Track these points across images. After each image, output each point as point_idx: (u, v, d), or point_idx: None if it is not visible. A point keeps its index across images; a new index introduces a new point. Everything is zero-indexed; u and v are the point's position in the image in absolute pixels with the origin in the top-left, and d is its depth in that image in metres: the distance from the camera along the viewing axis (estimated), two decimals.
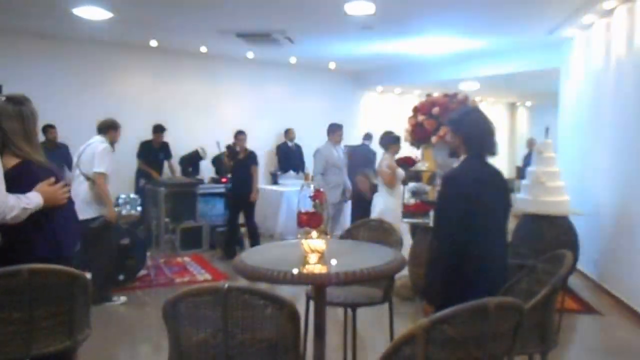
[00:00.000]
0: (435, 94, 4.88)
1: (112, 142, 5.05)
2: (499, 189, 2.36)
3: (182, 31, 7.01)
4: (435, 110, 4.52)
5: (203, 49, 8.18)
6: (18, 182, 2.12)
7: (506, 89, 11.59)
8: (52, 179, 2.22)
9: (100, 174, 4.72)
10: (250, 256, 2.34)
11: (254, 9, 5.76)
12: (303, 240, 2.27)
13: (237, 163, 6.79)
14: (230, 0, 5.48)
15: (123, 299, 5.08)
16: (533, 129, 14.37)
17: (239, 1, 5.52)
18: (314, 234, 2.31)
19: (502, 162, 13.40)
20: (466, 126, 2.39)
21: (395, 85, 10.88)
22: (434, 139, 4.54)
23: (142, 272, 5.75)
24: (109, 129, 5.03)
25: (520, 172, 10.37)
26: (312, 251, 2.28)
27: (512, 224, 4.29)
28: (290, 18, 6.12)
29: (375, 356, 1.67)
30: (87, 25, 6.45)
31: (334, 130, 6.42)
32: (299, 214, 2.30)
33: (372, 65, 9.57)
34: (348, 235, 3.06)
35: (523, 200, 5.15)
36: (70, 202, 2.35)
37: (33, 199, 2.11)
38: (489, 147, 2.38)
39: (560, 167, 5.33)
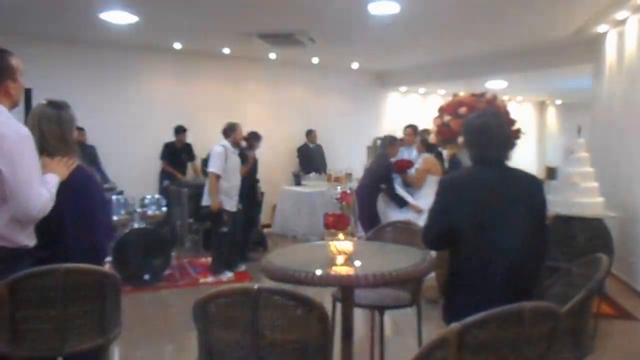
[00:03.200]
0: (462, 94, 4.81)
1: (236, 143, 5.92)
2: (511, 196, 2.25)
3: (205, 33, 7.07)
4: (463, 110, 4.47)
5: (226, 51, 8.24)
6: None
7: (535, 88, 11.36)
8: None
9: (210, 172, 5.69)
10: (278, 257, 2.34)
11: (277, 10, 5.77)
12: (330, 242, 2.26)
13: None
14: (253, 1, 5.51)
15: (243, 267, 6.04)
16: (563, 128, 14.07)
17: (261, 3, 5.54)
18: (341, 235, 2.31)
19: (531, 162, 13.18)
20: (470, 132, 2.35)
21: (420, 85, 10.77)
22: (460, 139, 4.49)
23: (167, 272, 5.82)
24: (228, 132, 5.86)
25: (551, 173, 10.17)
26: (340, 253, 2.27)
27: None
28: (313, 18, 6.11)
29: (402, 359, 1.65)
30: (113, 29, 6.56)
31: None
32: (326, 215, 2.29)
33: (395, 65, 9.50)
34: (374, 236, 3.04)
35: (554, 202, 5.04)
36: (104, 201, 2.40)
37: (53, 181, 2.18)
38: (493, 153, 2.31)
39: (594, 167, 5.19)
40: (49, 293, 1.97)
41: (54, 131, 2.34)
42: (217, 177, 5.68)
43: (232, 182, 5.88)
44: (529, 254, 2.26)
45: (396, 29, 6.40)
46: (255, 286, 1.70)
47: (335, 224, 2.26)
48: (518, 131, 4.54)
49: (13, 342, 1.97)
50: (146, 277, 5.55)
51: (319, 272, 2.11)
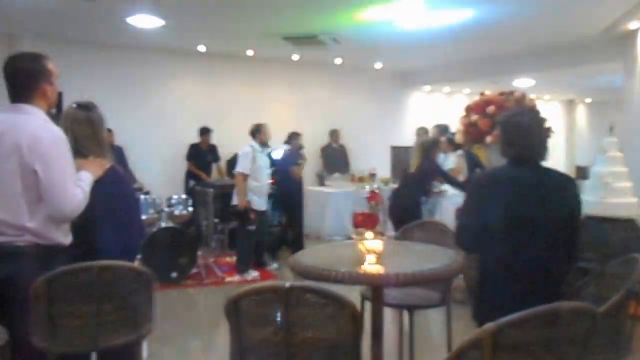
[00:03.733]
0: (488, 92, 4.73)
1: (263, 143, 6.01)
2: (545, 196, 2.20)
3: (229, 36, 7.13)
4: (490, 109, 4.39)
5: (249, 53, 8.29)
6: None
7: (564, 86, 11.11)
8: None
9: (237, 172, 5.86)
10: (306, 255, 2.34)
11: (301, 11, 5.79)
12: (359, 241, 2.26)
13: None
14: (278, 3, 5.53)
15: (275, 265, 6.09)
16: (593, 127, 13.75)
17: (286, 4, 5.56)
18: (369, 234, 2.30)
19: (559, 161, 12.92)
20: (509, 129, 2.30)
21: (444, 85, 10.66)
22: (489, 139, 4.40)
23: (193, 271, 5.88)
24: (255, 132, 6.00)
25: (582, 172, 9.94)
26: (369, 251, 2.26)
27: None
28: (337, 19, 6.09)
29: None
30: (140, 33, 6.67)
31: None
32: (355, 214, 2.28)
33: (419, 64, 9.42)
34: (402, 236, 3.02)
35: (586, 202, 4.91)
36: (135, 201, 2.45)
37: (87, 180, 2.22)
38: (531, 153, 2.26)
39: (627, 166, 5.04)
40: (84, 290, 2.02)
41: (86, 133, 2.40)
42: (244, 176, 5.76)
43: (261, 182, 5.99)
44: (562, 255, 2.22)
45: (421, 30, 6.34)
46: (287, 284, 1.70)
47: (365, 222, 2.26)
48: (549, 130, 4.44)
49: (51, 337, 2.02)
50: (173, 275, 5.62)
51: (351, 270, 2.10)
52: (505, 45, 7.57)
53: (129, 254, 2.36)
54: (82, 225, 2.22)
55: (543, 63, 7.97)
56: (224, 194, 7.09)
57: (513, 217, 2.18)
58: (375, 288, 2.34)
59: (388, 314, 2.97)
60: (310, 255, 2.37)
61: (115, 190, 2.38)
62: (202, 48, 7.96)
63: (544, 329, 1.51)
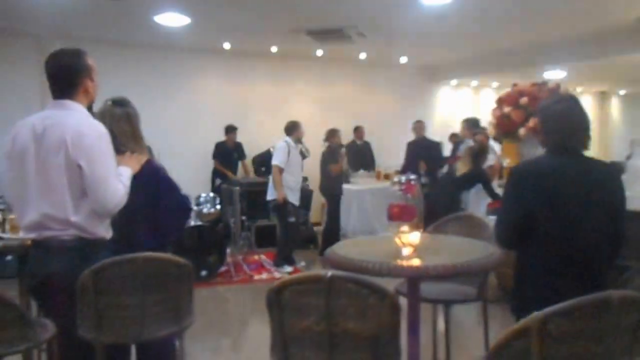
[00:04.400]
0: (515, 82, 4.61)
1: (298, 140, 6.21)
2: (588, 187, 2.15)
3: (254, 33, 7.15)
4: (523, 100, 4.27)
5: (273, 49, 8.31)
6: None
7: (597, 77, 10.79)
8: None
9: (274, 166, 5.95)
10: (342, 248, 2.35)
11: (325, 5, 5.77)
12: (396, 234, 2.25)
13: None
14: None
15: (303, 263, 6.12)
16: (627, 120, 13.37)
17: None
18: (406, 227, 2.29)
19: (592, 155, 12.58)
20: (550, 118, 2.25)
21: (471, 78, 10.47)
22: (522, 130, 4.29)
23: (222, 269, 5.94)
24: (290, 129, 6.16)
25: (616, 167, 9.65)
26: (406, 244, 2.26)
27: None
28: (363, 12, 6.05)
29: (468, 355, 1.62)
30: (166, 32, 6.75)
31: None
32: (391, 206, 2.27)
33: (445, 57, 9.27)
34: (436, 230, 2.99)
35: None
36: (174, 192, 2.48)
37: (126, 174, 2.28)
38: (574, 142, 2.21)
39: None
40: (129, 281, 2.06)
41: (125, 129, 2.47)
42: (280, 170, 5.89)
43: (295, 177, 6.17)
44: (605, 247, 2.18)
45: (448, 19, 6.24)
46: (329, 273, 1.71)
47: (401, 215, 2.24)
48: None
49: (98, 328, 2.07)
50: (203, 273, 5.69)
51: (386, 262, 2.10)
52: (535, 35, 7.35)
53: (166, 245, 2.40)
54: (122, 219, 2.27)
55: (575, 53, 7.68)
56: (250, 191, 7.16)
57: (556, 209, 2.14)
58: (411, 281, 2.34)
59: (422, 309, 2.94)
60: (346, 248, 2.37)
61: (153, 183, 2.42)
62: (227, 45, 8.01)
63: (593, 319, 1.49)
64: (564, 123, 2.21)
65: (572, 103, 2.26)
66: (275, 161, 6.01)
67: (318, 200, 8.51)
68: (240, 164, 8.23)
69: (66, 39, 7.18)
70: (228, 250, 6.08)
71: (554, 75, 8.93)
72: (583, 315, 1.47)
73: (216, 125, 8.03)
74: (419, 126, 7.42)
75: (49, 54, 2.28)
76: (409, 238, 2.26)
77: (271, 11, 6.03)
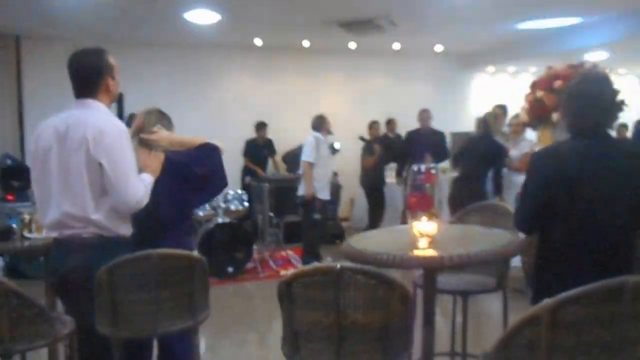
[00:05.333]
0: (556, 66, 4.38)
1: (326, 134, 6.14)
2: (611, 170, 2.06)
3: (284, 27, 7.11)
4: (557, 83, 4.05)
5: (305, 44, 8.24)
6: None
7: None
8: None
9: (303, 161, 5.91)
10: (359, 241, 2.33)
11: None
12: (412, 224, 2.22)
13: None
14: None
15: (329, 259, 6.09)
16: None
17: None
18: (424, 217, 2.26)
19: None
20: (568, 99, 2.17)
21: (509, 64, 10.08)
22: (555, 116, 4.09)
23: (249, 265, 6.01)
24: (317, 124, 6.09)
25: None
26: (423, 235, 2.23)
27: None
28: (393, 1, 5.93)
29: (486, 347, 1.58)
30: (197, 30, 6.79)
31: None
32: (409, 196, 2.25)
33: (481, 43, 8.90)
34: (460, 220, 2.95)
35: None
36: (194, 177, 2.53)
37: (147, 180, 2.31)
38: (596, 123, 2.11)
39: None
40: (144, 278, 2.10)
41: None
42: (310, 165, 5.89)
43: (325, 170, 6.16)
44: (630, 233, 2.10)
45: (481, 2, 5.99)
46: (338, 265, 1.71)
47: (418, 204, 2.21)
48: (621, 103, 4.11)
49: (114, 323, 2.12)
50: (230, 269, 5.77)
51: (400, 253, 2.08)
52: (574, 14, 6.93)
53: (182, 243, 2.44)
54: (139, 219, 2.33)
55: (616, 32, 7.17)
56: (279, 187, 7.20)
57: (578, 194, 2.06)
58: (427, 272, 2.31)
59: (441, 300, 2.90)
60: (363, 240, 2.36)
61: (171, 179, 2.45)
62: (258, 42, 8.01)
63: (607, 305, 1.43)
64: (589, 105, 2.11)
65: (591, 84, 2.18)
66: (304, 157, 5.98)
67: (347, 195, 8.50)
68: (270, 160, 8.28)
69: (100, 40, 7.36)
70: (255, 247, 6.12)
71: (596, 57, 8.49)
72: (596, 302, 1.42)
73: (247, 122, 8.06)
74: (425, 116, 7.19)
75: (72, 53, 2.33)
76: (426, 228, 2.24)
77: (301, 4, 5.96)
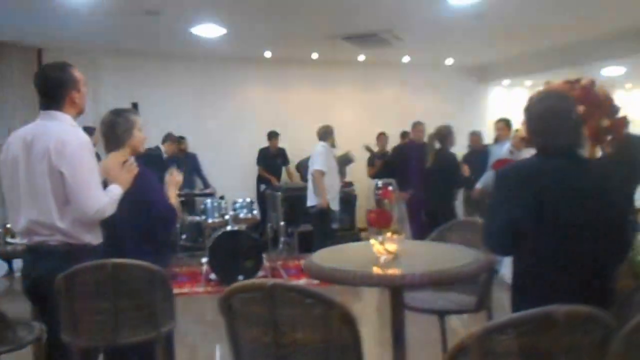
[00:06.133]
0: (554, 81, 4.32)
1: (333, 144, 6.13)
2: (579, 188, 1.95)
3: (292, 40, 7.21)
4: None
5: (314, 56, 8.32)
6: None
7: None
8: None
9: (316, 170, 5.87)
10: (322, 256, 2.28)
11: (357, 10, 5.72)
12: (373, 241, 2.16)
13: None
14: (333, 4, 5.51)
15: None
16: None
17: (341, 4, 5.52)
18: (386, 234, 2.19)
19: None
20: (535, 117, 2.08)
21: (525, 78, 9.96)
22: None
23: (260, 274, 5.99)
24: (324, 135, 6.07)
25: None
26: (384, 252, 2.16)
27: None
28: (394, 15, 5.94)
29: None
30: (204, 42, 6.94)
31: None
32: (369, 212, 2.19)
33: (495, 56, 8.89)
34: (439, 237, 2.84)
35: None
36: (160, 199, 2.52)
37: (115, 191, 2.33)
38: (562, 141, 2.01)
39: None
40: (101, 286, 2.12)
41: (108, 135, 2.58)
42: (322, 174, 5.88)
43: (334, 181, 6.13)
44: (603, 254, 1.96)
45: (487, 18, 5.97)
46: (270, 282, 1.66)
47: (377, 220, 2.15)
48: (624, 120, 3.97)
49: (74, 332, 2.14)
50: (240, 278, 5.75)
51: (362, 271, 2.02)
52: (592, 29, 6.85)
53: (160, 254, 2.44)
54: (110, 229, 2.34)
55: (634, 47, 7.07)
56: (292, 196, 7.20)
57: (545, 214, 1.96)
58: (394, 290, 2.23)
59: (424, 320, 2.80)
60: (326, 256, 2.31)
61: (137, 195, 2.46)
62: (268, 54, 8.13)
63: (539, 335, 1.34)
64: (547, 122, 2.03)
65: (555, 101, 2.08)
66: (316, 166, 5.95)
67: (363, 205, 8.41)
68: (284, 169, 8.31)
69: (116, 53, 7.62)
70: (265, 256, 6.11)
71: (613, 72, 8.29)
72: (525, 332, 1.33)
73: (260, 132, 8.15)
74: (419, 128, 6.99)
75: (38, 68, 2.42)
76: (388, 245, 2.16)
77: (302, 18, 6.06)
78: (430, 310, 2.55)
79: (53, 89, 2.30)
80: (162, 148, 6.67)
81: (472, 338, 1.35)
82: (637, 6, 5.79)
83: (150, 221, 2.49)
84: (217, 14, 5.83)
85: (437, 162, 5.62)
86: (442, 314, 2.55)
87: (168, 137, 6.75)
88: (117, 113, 2.61)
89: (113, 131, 2.51)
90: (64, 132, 2.23)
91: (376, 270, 2.07)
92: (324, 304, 1.67)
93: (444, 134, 5.72)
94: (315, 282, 5.63)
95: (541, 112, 2.05)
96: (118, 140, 2.52)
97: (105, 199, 2.24)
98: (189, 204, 7.05)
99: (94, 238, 2.29)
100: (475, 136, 7.00)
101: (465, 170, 5.94)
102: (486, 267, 2.06)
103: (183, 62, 8.13)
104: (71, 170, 2.16)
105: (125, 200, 2.36)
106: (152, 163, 5.81)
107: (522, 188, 2.02)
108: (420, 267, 2.01)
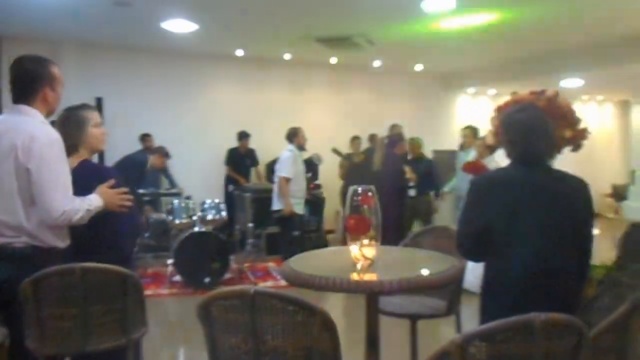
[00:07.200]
0: (520, 91, 4.47)
1: (300, 147, 6.11)
2: (547, 198, 2.03)
3: (265, 40, 7.18)
4: None
5: (287, 57, 8.32)
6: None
7: (616, 85, 10.43)
8: (112, 181, 2.33)
9: (280, 177, 5.91)
10: (298, 261, 2.28)
11: (331, 12, 5.75)
12: (351, 247, 2.17)
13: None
14: (311, 6, 5.51)
15: None
16: None
17: (316, 6, 5.53)
18: (366, 240, 2.20)
19: (613, 165, 12.15)
20: (513, 127, 2.14)
21: (490, 87, 10.29)
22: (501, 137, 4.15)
23: (227, 276, 5.94)
24: (291, 136, 6.06)
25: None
26: (362, 258, 2.17)
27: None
28: (371, 19, 6.00)
29: None
30: (175, 38, 6.82)
31: None
32: (347, 218, 2.19)
33: (462, 65, 9.14)
34: (413, 242, 2.89)
35: (630, 208, 4.57)
36: (128, 214, 2.45)
37: (94, 201, 2.23)
38: (537, 152, 2.10)
39: None
40: (70, 292, 2.05)
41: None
42: (287, 180, 5.87)
43: (301, 185, 6.13)
44: (567, 264, 2.04)
45: (457, 28, 6.14)
46: (252, 289, 1.65)
47: (356, 227, 2.16)
48: (585, 131, 4.14)
49: (40, 339, 2.07)
50: (206, 280, 5.69)
51: (339, 277, 2.02)
52: (553, 43, 7.19)
53: (124, 258, 2.37)
54: (78, 230, 2.27)
55: (593, 61, 7.47)
56: (261, 198, 7.14)
57: (514, 221, 2.03)
58: (369, 296, 2.24)
59: (397, 324, 2.83)
60: (303, 261, 2.30)
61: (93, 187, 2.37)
62: (239, 52, 8.06)
63: (518, 342, 1.38)
64: (526, 132, 2.10)
65: (534, 112, 2.16)
66: (281, 172, 5.96)
67: (332, 207, 8.45)
68: (253, 170, 8.25)
69: (79, 45, 7.37)
70: (232, 257, 6.05)
71: (571, 83, 8.68)
72: (505, 338, 1.37)
73: (229, 131, 8.07)
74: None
75: (15, 58, 2.29)
76: (367, 251, 2.18)
77: (279, 18, 6.02)
78: (403, 314, 2.58)
79: (26, 82, 2.21)
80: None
81: (453, 345, 1.38)
82: (596, 24, 6.07)
83: (115, 234, 2.42)
84: (189, 9, 5.72)
85: (384, 166, 5.69)
86: (414, 318, 2.59)
87: (158, 150, 6.47)
88: (68, 110, 2.50)
89: (65, 131, 2.37)
90: (33, 128, 2.14)
91: (355, 276, 2.08)
92: (306, 310, 1.68)
93: (396, 140, 5.80)
94: (283, 283, 5.79)
95: (522, 122, 2.11)
96: (72, 140, 2.40)
97: (74, 204, 2.14)
98: (154, 203, 6.91)
99: (61, 241, 2.21)
100: (413, 143, 6.78)
101: (409, 174, 6.08)
102: (462, 273, 2.10)
103: (152, 57, 7.95)
104: (38, 167, 2.08)
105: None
106: (131, 169, 5.65)
107: (495, 195, 2.09)
108: (398, 273, 2.03)
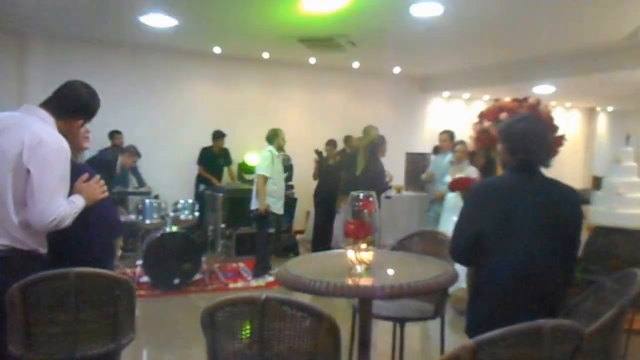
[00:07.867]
0: (507, 99, 4.63)
1: (280, 148, 6.11)
2: (540, 206, 2.11)
3: (245, 38, 7.06)
4: (503, 115, 4.29)
5: (265, 55, 8.22)
6: None
7: (585, 93, 10.81)
8: (85, 175, 2.28)
9: (258, 176, 5.91)
10: (295, 265, 2.28)
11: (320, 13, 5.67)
12: (348, 251, 2.19)
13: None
14: (293, 5, 5.44)
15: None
16: (613, 136, 13.43)
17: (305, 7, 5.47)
18: (363, 244, 2.23)
19: (577, 171, 12.64)
20: (512, 136, 2.22)
21: (463, 91, 10.48)
22: (500, 146, 4.28)
23: (197, 277, 5.85)
24: (271, 138, 6.06)
25: (598, 183, 9.70)
26: (358, 262, 2.20)
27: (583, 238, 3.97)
28: (355, 21, 5.97)
29: None
30: (153, 33, 6.64)
31: None
32: (347, 223, 2.21)
33: (438, 69, 9.26)
34: (400, 246, 2.94)
35: (596, 212, 4.80)
36: (107, 206, 2.39)
37: (78, 204, 2.18)
38: (536, 160, 2.20)
39: None
40: (61, 297, 1.98)
41: None
42: (265, 179, 5.87)
43: (279, 185, 6.15)
44: (555, 268, 2.13)
45: (439, 31, 6.19)
46: (263, 296, 1.65)
47: (356, 232, 2.18)
48: (562, 138, 4.33)
49: (26, 345, 1.99)
50: (176, 281, 5.59)
51: (334, 281, 2.04)
52: (525, 51, 7.36)
53: (103, 260, 2.31)
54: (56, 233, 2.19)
55: (564, 70, 7.70)
56: (233, 198, 7.07)
57: (507, 227, 2.10)
58: (363, 300, 2.28)
59: (384, 326, 2.89)
60: (299, 265, 2.31)
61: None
62: (217, 50, 7.91)
63: (527, 347, 1.43)
64: (526, 142, 2.18)
65: (534, 123, 2.25)
66: (260, 171, 5.96)
67: (303, 208, 8.46)
68: (226, 170, 8.14)
69: (49, 37, 7.09)
70: (203, 258, 5.97)
71: (543, 90, 8.95)
72: (515, 344, 1.42)
73: (203, 130, 7.90)
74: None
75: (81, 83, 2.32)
76: (363, 256, 2.20)
77: (262, 17, 5.91)
78: (392, 317, 2.63)
79: (70, 103, 2.21)
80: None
81: (465, 350, 1.42)
82: (569, 32, 6.28)
83: (93, 231, 2.35)
84: (169, 4, 5.54)
85: (367, 171, 5.77)
86: (403, 321, 2.63)
87: (128, 149, 6.33)
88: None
89: None
90: (43, 131, 2.08)
91: (352, 281, 2.11)
92: (315, 316, 1.69)
93: (377, 143, 5.88)
94: (254, 284, 5.76)
95: (523, 132, 2.19)
96: None
97: (65, 210, 2.08)
98: (122, 202, 6.73)
99: (43, 246, 2.14)
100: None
101: (390, 178, 6.18)
102: (456, 277, 2.15)
103: (125, 52, 7.73)
104: (40, 172, 2.01)
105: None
106: (100, 168, 5.47)
107: (491, 202, 2.16)
108: (395, 278, 2.07)
